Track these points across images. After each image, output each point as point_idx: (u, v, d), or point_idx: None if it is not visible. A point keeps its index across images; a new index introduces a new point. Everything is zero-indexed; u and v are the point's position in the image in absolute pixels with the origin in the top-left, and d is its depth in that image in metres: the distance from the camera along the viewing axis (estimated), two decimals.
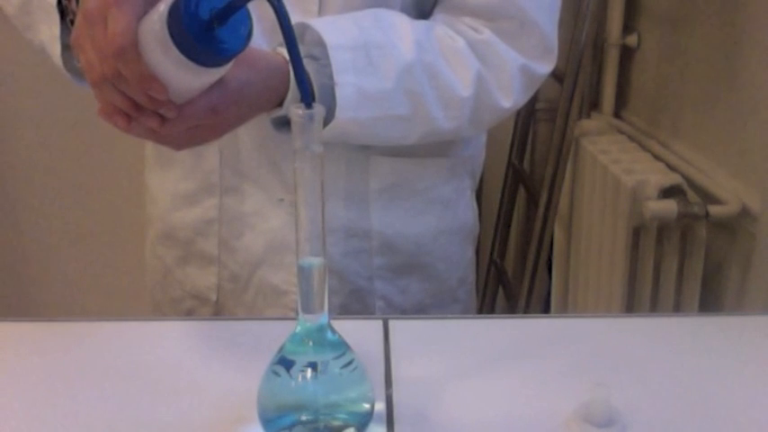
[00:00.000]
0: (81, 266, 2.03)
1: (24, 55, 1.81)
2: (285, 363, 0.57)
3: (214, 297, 0.89)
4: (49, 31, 0.76)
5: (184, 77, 0.59)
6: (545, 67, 0.80)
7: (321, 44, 0.71)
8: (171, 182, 0.89)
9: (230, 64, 0.61)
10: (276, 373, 0.57)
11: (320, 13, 0.76)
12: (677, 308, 1.37)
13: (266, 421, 0.57)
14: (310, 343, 0.57)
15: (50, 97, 1.89)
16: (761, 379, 0.66)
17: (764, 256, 1.23)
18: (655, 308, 1.40)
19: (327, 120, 0.72)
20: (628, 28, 1.72)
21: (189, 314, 0.91)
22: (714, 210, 1.30)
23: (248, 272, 0.86)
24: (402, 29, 0.75)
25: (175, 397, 0.64)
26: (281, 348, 0.58)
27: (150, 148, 0.92)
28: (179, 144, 0.66)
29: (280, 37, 0.55)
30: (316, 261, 0.56)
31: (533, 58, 0.79)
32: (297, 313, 0.57)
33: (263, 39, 0.75)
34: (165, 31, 0.56)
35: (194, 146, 0.67)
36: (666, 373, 0.67)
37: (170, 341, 0.73)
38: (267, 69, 0.67)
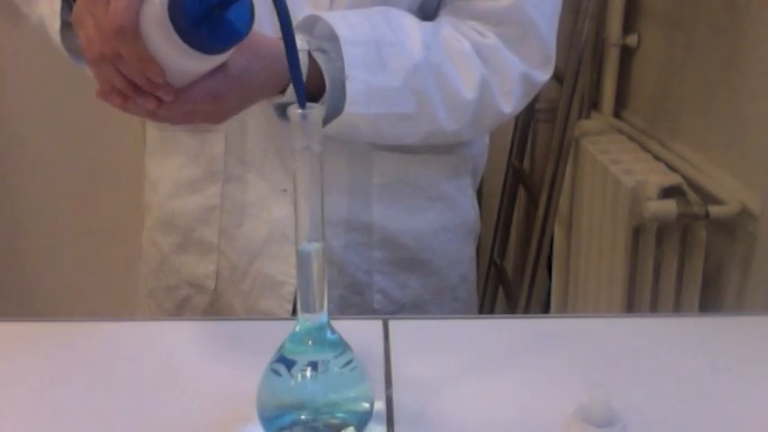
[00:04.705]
0: (81, 266, 2.03)
1: (23, 53, 1.81)
2: (285, 362, 0.57)
3: (212, 285, 0.89)
4: (48, 6, 0.76)
5: (183, 62, 0.59)
6: (544, 75, 0.81)
7: (332, 38, 0.71)
8: (173, 168, 0.89)
9: (231, 51, 0.61)
10: (276, 372, 0.57)
11: (331, 7, 0.77)
12: (677, 308, 1.37)
13: (266, 420, 0.57)
14: (310, 342, 0.57)
15: (49, 97, 1.89)
16: (761, 379, 0.66)
17: (764, 256, 1.23)
18: (655, 308, 1.40)
19: (335, 113, 0.72)
20: (628, 28, 1.72)
21: (185, 302, 0.91)
22: (714, 210, 1.30)
23: (247, 261, 0.86)
24: (411, 29, 0.75)
25: (175, 397, 0.64)
26: (281, 347, 0.58)
27: (153, 134, 0.92)
28: (177, 123, 0.67)
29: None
30: (315, 246, 0.55)
31: (534, 66, 0.80)
32: (293, 305, 0.57)
33: (273, 30, 0.75)
34: (166, 16, 0.56)
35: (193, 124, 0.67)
36: (666, 373, 0.67)
37: (170, 341, 0.73)
38: (270, 56, 0.67)
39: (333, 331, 0.58)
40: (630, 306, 1.45)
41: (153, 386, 0.65)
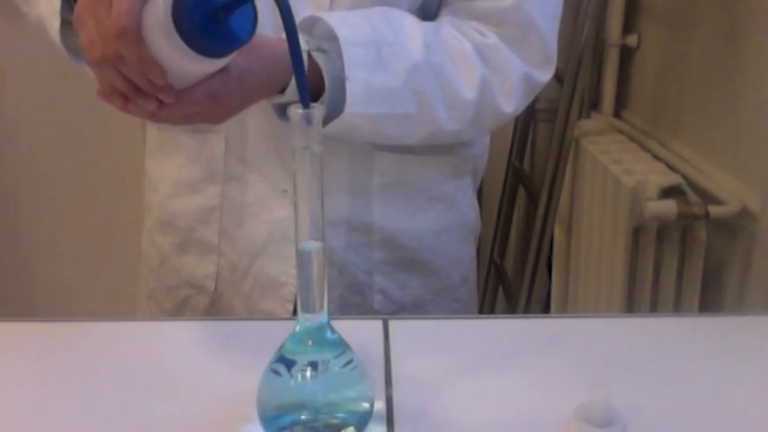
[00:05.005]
0: (81, 266, 2.03)
1: (22, 52, 1.81)
2: (285, 362, 0.57)
3: (212, 286, 0.89)
4: (48, 5, 0.75)
5: (185, 65, 0.59)
6: (545, 76, 0.81)
7: (332, 38, 0.72)
8: (173, 169, 0.89)
9: (233, 54, 0.61)
10: (276, 372, 0.57)
11: (331, 8, 0.77)
12: (677, 308, 1.37)
13: (266, 420, 0.57)
14: (310, 342, 0.57)
15: (49, 97, 1.88)
16: (761, 379, 0.66)
17: (764, 256, 1.23)
18: (655, 308, 1.40)
19: (335, 114, 0.72)
20: (628, 28, 1.72)
21: (185, 303, 0.91)
22: (714, 210, 1.30)
23: (247, 262, 0.86)
24: (411, 29, 0.75)
25: (175, 397, 0.64)
26: (281, 347, 0.58)
27: (152, 134, 0.92)
28: (177, 123, 0.67)
29: None
30: (315, 246, 0.55)
31: (535, 66, 0.80)
32: (294, 306, 0.57)
33: (274, 30, 0.75)
34: (169, 18, 0.56)
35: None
36: (666, 373, 0.67)
37: (170, 341, 0.73)
38: (271, 57, 0.67)
39: (333, 331, 0.58)
40: (630, 306, 1.45)
41: (153, 386, 0.65)
